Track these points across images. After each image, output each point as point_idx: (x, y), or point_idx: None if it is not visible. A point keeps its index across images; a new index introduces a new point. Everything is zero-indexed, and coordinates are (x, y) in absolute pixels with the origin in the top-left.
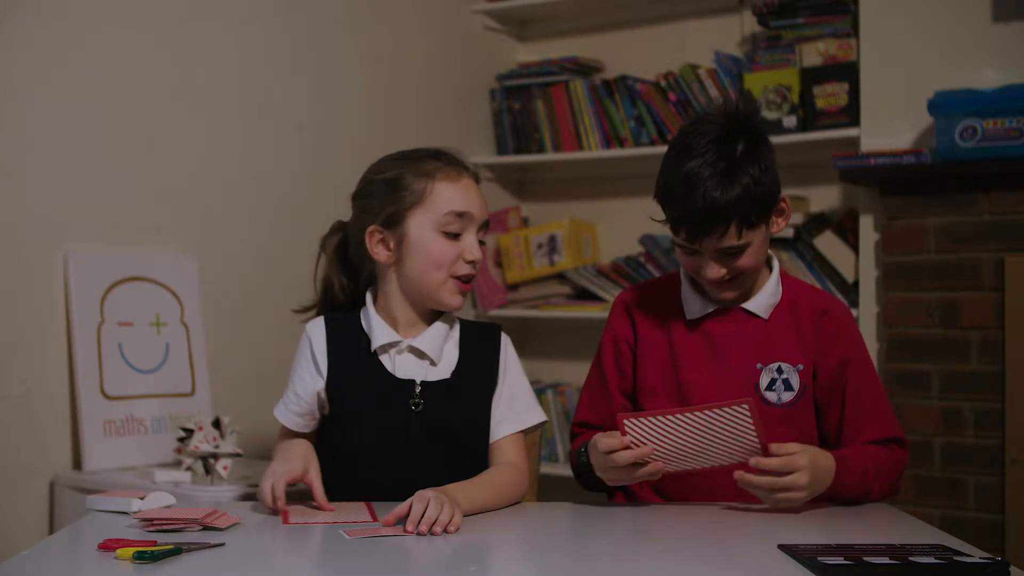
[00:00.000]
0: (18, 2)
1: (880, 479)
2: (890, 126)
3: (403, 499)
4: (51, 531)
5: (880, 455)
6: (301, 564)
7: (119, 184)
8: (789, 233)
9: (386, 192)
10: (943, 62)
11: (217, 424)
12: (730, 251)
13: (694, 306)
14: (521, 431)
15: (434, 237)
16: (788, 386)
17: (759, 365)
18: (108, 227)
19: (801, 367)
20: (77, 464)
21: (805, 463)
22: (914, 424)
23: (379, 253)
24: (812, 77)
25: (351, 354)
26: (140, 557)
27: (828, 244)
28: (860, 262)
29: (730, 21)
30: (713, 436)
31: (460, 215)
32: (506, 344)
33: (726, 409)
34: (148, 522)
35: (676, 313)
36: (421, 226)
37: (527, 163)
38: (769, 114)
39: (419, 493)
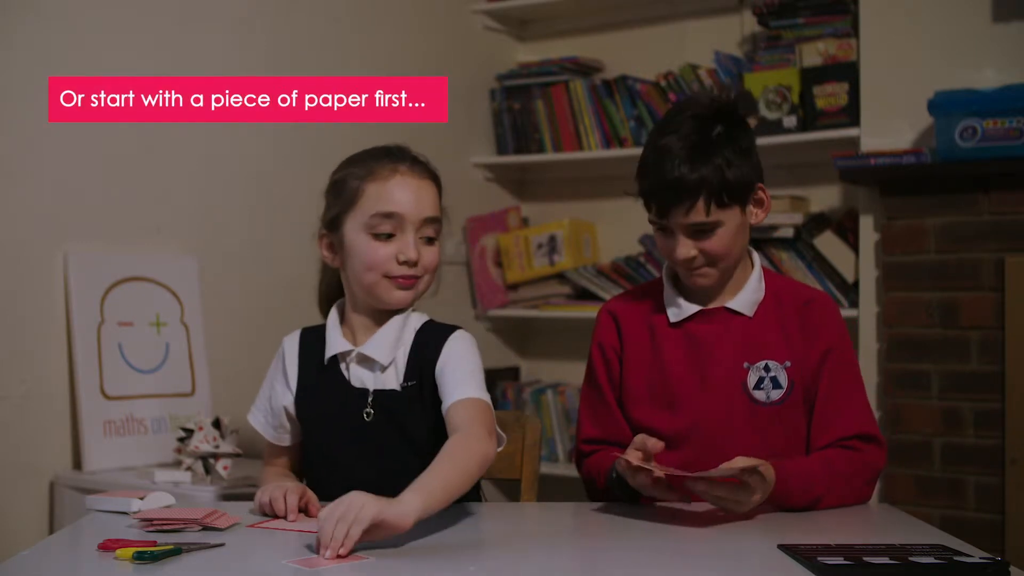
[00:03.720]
0: (18, 2)
1: (837, 486)
2: (890, 126)
3: None
4: (51, 531)
5: (837, 461)
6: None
7: (119, 184)
8: (789, 233)
9: (331, 194)
10: (943, 62)
11: (217, 424)
12: (699, 228)
13: (677, 308)
14: (462, 400)
15: (364, 239)
16: (776, 384)
17: (746, 364)
18: (108, 227)
19: (788, 364)
20: (77, 464)
21: (757, 480)
22: (914, 424)
23: (326, 257)
24: (812, 77)
25: (315, 366)
26: (140, 557)
27: (828, 244)
28: (860, 262)
29: (730, 21)
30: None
31: (388, 216)
32: (453, 341)
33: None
34: (148, 522)
35: (660, 317)
36: (353, 228)
37: (527, 163)
38: (769, 114)
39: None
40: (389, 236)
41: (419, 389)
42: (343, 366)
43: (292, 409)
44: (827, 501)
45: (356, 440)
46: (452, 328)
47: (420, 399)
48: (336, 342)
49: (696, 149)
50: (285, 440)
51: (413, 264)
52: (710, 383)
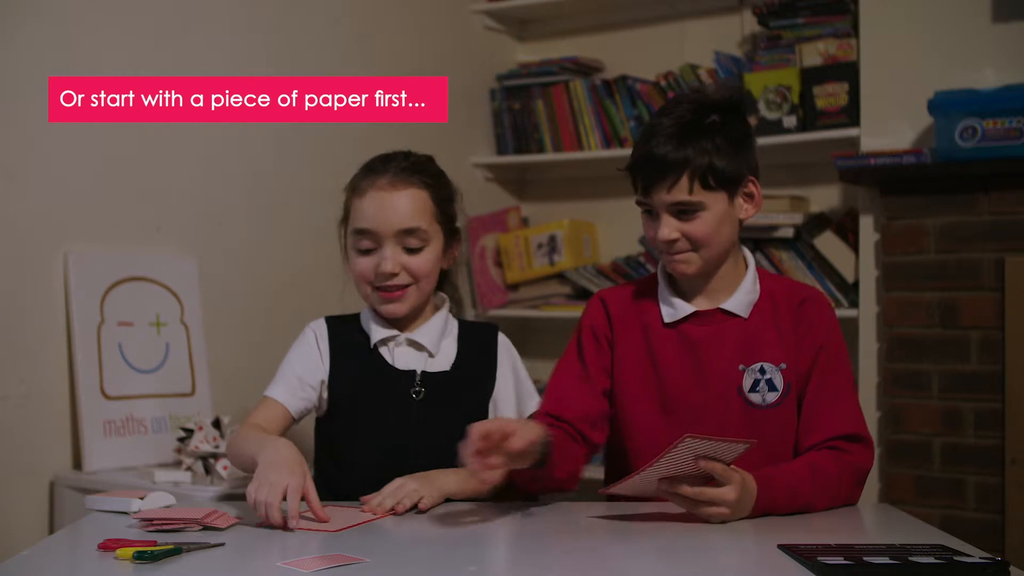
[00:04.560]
0: (18, 2)
1: (827, 490)
2: (890, 126)
3: None
4: (51, 531)
5: (824, 465)
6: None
7: (119, 184)
8: (789, 233)
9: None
10: (943, 62)
11: (217, 424)
12: (681, 208)
13: (672, 309)
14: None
15: (352, 254)
16: (772, 386)
17: (741, 366)
18: (108, 227)
19: (784, 366)
20: (77, 464)
21: (737, 479)
22: (914, 424)
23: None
24: (812, 77)
25: (352, 350)
26: (140, 557)
27: (828, 244)
28: (860, 262)
29: (730, 21)
30: (688, 463)
31: (362, 232)
32: (504, 341)
33: (679, 446)
34: (148, 522)
35: (654, 316)
36: (348, 243)
37: (527, 163)
38: (769, 114)
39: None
40: (370, 250)
41: (470, 373)
42: (384, 350)
43: (326, 387)
44: (817, 506)
45: (402, 419)
46: (489, 325)
47: (468, 384)
48: (380, 327)
49: (686, 129)
50: (301, 413)
51: (390, 276)
52: (705, 386)
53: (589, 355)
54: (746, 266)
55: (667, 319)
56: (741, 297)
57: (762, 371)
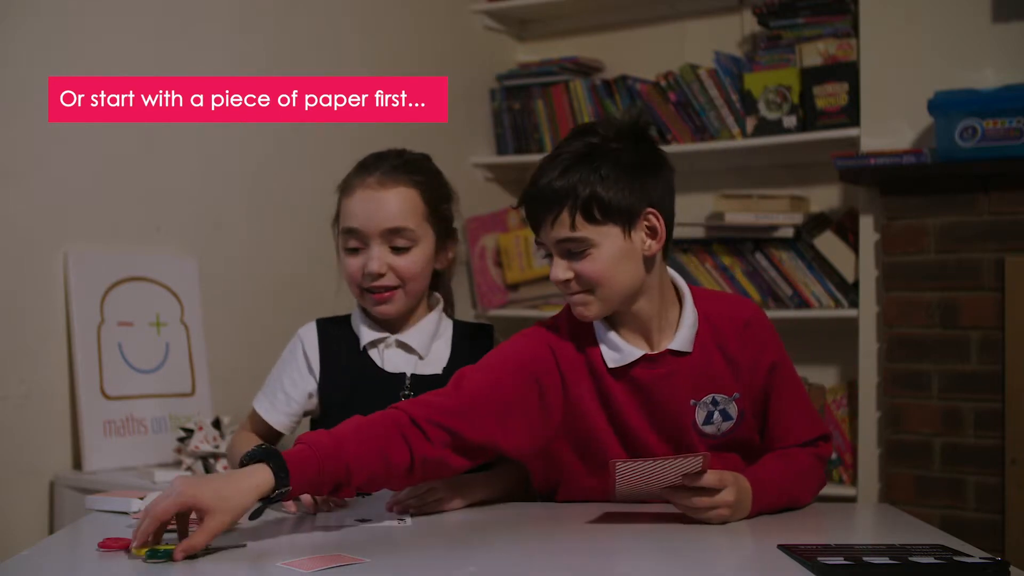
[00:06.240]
0: (18, 2)
1: (805, 484)
2: (890, 126)
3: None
4: (51, 531)
5: (800, 460)
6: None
7: (119, 184)
8: (789, 233)
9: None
10: (943, 62)
11: (217, 424)
12: (569, 248)
13: (616, 353)
14: None
15: (342, 253)
16: (726, 416)
17: (692, 401)
18: (108, 227)
19: (738, 395)
20: (77, 464)
21: (731, 480)
22: (914, 424)
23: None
24: (812, 77)
25: (342, 354)
26: (153, 556)
27: (828, 244)
28: (860, 262)
29: (730, 21)
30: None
31: (350, 231)
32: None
33: (618, 476)
34: None
35: (596, 357)
36: (339, 242)
37: (527, 163)
38: (769, 114)
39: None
40: (357, 250)
41: None
42: (375, 352)
43: (316, 396)
44: (802, 500)
45: None
46: (485, 326)
47: None
48: (369, 330)
49: (573, 158)
50: (288, 429)
51: (376, 276)
52: (659, 426)
53: (531, 407)
54: (680, 297)
55: (612, 364)
56: (683, 333)
57: (714, 403)
